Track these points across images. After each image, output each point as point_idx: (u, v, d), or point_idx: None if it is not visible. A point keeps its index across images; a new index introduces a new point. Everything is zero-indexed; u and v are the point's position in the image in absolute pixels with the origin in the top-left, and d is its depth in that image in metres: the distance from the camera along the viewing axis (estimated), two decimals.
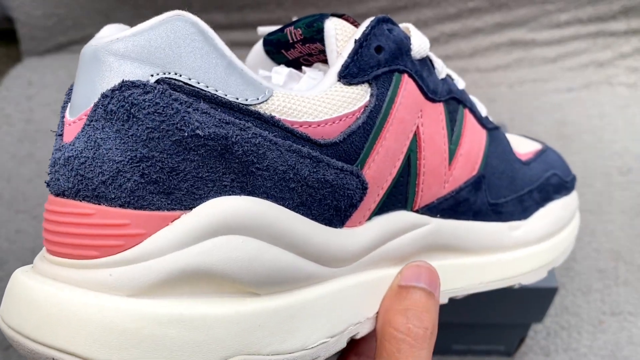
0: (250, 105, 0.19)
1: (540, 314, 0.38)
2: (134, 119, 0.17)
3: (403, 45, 0.23)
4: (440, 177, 0.25)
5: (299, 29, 0.23)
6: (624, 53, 0.72)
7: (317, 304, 0.20)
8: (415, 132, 0.23)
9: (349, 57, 0.21)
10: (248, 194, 0.19)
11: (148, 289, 0.17)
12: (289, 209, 0.20)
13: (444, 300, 0.26)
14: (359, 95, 0.21)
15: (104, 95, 0.17)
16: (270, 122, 0.19)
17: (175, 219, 0.18)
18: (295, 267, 0.20)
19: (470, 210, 0.27)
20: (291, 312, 0.19)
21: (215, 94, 0.18)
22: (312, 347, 0.20)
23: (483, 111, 0.29)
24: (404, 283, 0.24)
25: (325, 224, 0.21)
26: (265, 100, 0.19)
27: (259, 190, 0.19)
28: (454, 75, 0.27)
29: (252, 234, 0.19)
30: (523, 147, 0.32)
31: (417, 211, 0.25)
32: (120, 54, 0.18)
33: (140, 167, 0.17)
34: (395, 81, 0.22)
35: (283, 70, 0.24)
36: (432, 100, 0.24)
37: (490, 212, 0.27)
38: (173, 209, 0.18)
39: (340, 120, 0.21)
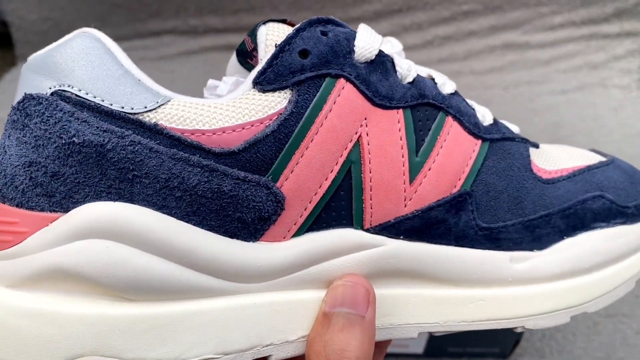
0: (134, 113, 0.19)
1: None
2: (27, 128, 0.19)
3: (340, 48, 0.22)
4: (396, 193, 0.22)
5: (249, 38, 0.23)
6: (617, 55, 0.73)
7: (204, 318, 0.19)
8: (357, 141, 0.21)
9: (266, 62, 0.21)
10: (127, 201, 0.19)
11: (22, 283, 0.19)
12: (177, 218, 0.19)
13: (412, 334, 0.23)
14: (273, 103, 0.20)
15: (12, 107, 0.20)
16: (153, 130, 0.19)
17: (54, 220, 0.19)
18: (176, 278, 0.19)
19: (451, 233, 0.23)
20: (166, 322, 0.19)
21: (99, 104, 0.20)
22: None
23: (486, 118, 0.26)
24: (326, 309, 0.21)
25: (230, 237, 0.20)
26: (154, 109, 0.20)
27: (138, 197, 0.19)
28: (440, 79, 0.25)
29: (120, 239, 0.19)
30: (565, 161, 0.27)
31: (368, 230, 0.22)
32: (32, 69, 0.21)
33: (30, 171, 0.19)
34: (325, 87, 0.21)
35: (230, 80, 0.24)
36: (383, 107, 0.22)
37: (482, 237, 0.24)
38: (54, 211, 0.19)
39: (244, 128, 0.20)
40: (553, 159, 0.27)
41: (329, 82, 0.21)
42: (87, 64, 0.20)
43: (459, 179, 0.23)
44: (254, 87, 0.21)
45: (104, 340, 0.18)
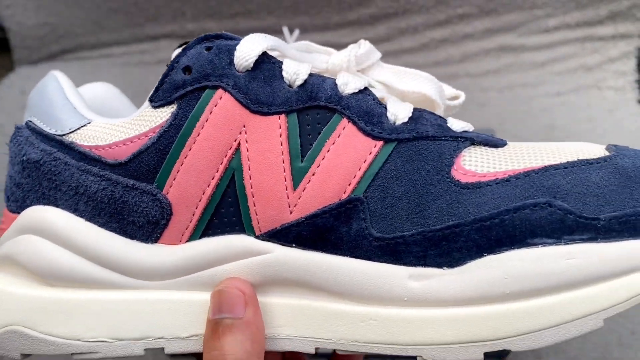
0: (61, 135, 0.24)
1: None
2: (10, 150, 0.25)
3: (220, 60, 0.23)
4: (278, 199, 0.22)
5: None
6: (612, 57, 0.73)
7: (102, 306, 0.23)
8: (237, 148, 0.22)
9: (159, 81, 0.23)
10: (53, 205, 0.24)
11: None
12: (86, 219, 0.23)
13: (309, 349, 0.22)
14: (159, 117, 0.23)
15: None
16: (69, 147, 0.23)
17: (15, 219, 0.24)
18: (82, 270, 0.23)
19: (344, 243, 0.22)
20: (72, 306, 0.23)
21: (43, 129, 0.24)
22: (88, 341, 0.23)
23: (399, 117, 0.23)
24: (210, 317, 0.22)
25: (130, 238, 0.23)
26: (75, 130, 0.24)
27: (60, 202, 0.23)
28: (344, 78, 0.24)
29: (45, 236, 0.23)
30: (525, 161, 0.22)
31: (259, 237, 0.22)
32: (28, 106, 0.26)
33: (11, 183, 0.25)
34: (203, 98, 0.22)
35: None
36: (262, 113, 0.22)
37: (377, 249, 0.21)
38: (17, 213, 0.24)
39: (132, 142, 0.23)
40: (506, 159, 0.22)
41: (207, 94, 0.22)
42: (43, 99, 0.25)
43: (349, 184, 0.22)
44: (149, 105, 0.24)
45: (25, 315, 0.23)
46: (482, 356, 0.21)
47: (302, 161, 0.22)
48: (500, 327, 0.21)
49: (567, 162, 0.22)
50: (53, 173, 0.24)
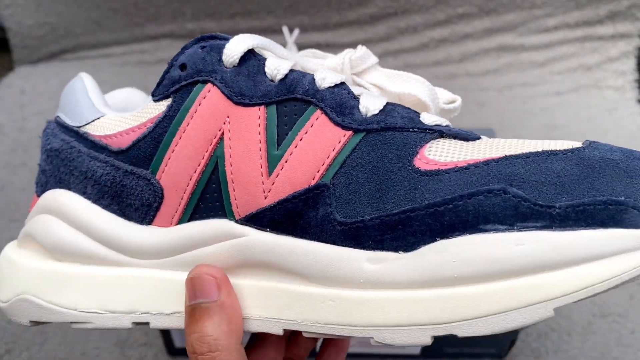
0: (78, 127, 0.26)
1: None
2: (41, 142, 0.28)
3: (211, 57, 0.25)
4: (255, 185, 0.23)
5: None
6: (612, 57, 0.73)
7: (96, 280, 0.25)
8: (221, 137, 0.24)
9: (160, 78, 0.25)
10: (67, 188, 0.26)
11: (22, 242, 0.27)
12: (93, 201, 0.25)
13: (277, 330, 0.23)
14: (157, 109, 0.25)
15: None
16: (83, 137, 0.26)
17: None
18: (82, 246, 0.25)
19: (312, 227, 0.23)
20: (71, 278, 0.25)
21: (66, 122, 0.27)
22: (83, 312, 0.25)
23: (370, 109, 0.24)
24: (187, 303, 0.23)
25: (127, 219, 0.25)
26: (90, 122, 0.26)
27: (72, 185, 0.26)
28: (322, 73, 0.24)
29: (56, 215, 0.26)
30: (491, 152, 0.22)
31: (238, 221, 0.24)
32: (60, 103, 0.28)
33: (39, 170, 0.27)
34: (194, 92, 0.24)
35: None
36: (244, 105, 0.24)
37: (340, 233, 0.22)
38: (40, 196, 0.27)
39: (133, 131, 0.25)
40: (471, 151, 0.23)
41: (198, 88, 0.24)
42: (69, 97, 0.27)
43: (318, 171, 0.23)
44: (151, 99, 0.25)
45: (34, 285, 0.25)
46: (429, 339, 0.21)
47: (277, 149, 0.23)
48: (447, 312, 0.21)
49: (529, 152, 0.22)
50: (68, 159, 0.26)
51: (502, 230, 0.20)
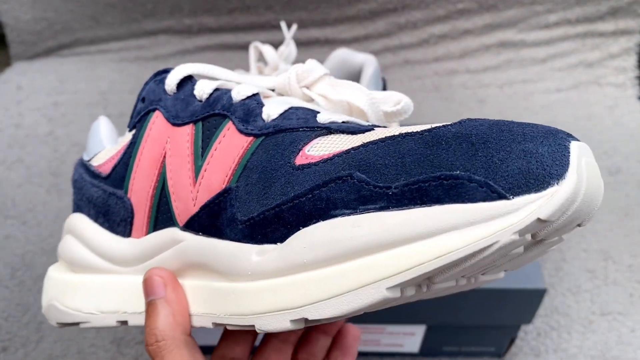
0: (87, 160, 0.31)
1: (530, 315, 0.38)
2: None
3: (159, 88, 0.29)
4: (187, 194, 0.26)
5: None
6: (613, 53, 0.73)
7: (94, 286, 0.29)
8: (164, 156, 0.27)
9: (132, 111, 0.30)
10: (79, 212, 0.31)
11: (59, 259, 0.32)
12: (93, 220, 0.30)
13: (207, 324, 0.25)
14: (127, 138, 0.29)
15: None
16: (88, 168, 0.31)
17: None
18: (86, 258, 0.29)
19: (224, 227, 0.24)
20: (77, 285, 0.29)
21: (82, 157, 0.32)
22: (84, 313, 0.28)
23: (270, 115, 0.25)
24: (145, 299, 0.26)
25: (115, 233, 0.29)
26: (95, 155, 0.31)
27: (83, 208, 0.31)
28: (238, 88, 0.27)
29: (72, 234, 0.30)
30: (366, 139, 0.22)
31: (181, 228, 0.26)
32: None
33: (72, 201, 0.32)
34: (147, 119, 0.28)
35: None
36: (178, 125, 0.27)
37: (241, 231, 0.23)
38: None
39: (113, 159, 0.29)
40: (346, 143, 0.23)
41: (150, 116, 0.28)
42: (89, 137, 0.32)
43: (227, 176, 0.25)
44: (128, 130, 0.30)
45: (57, 293, 0.29)
46: (289, 324, 0.22)
47: (200, 160, 0.26)
48: (299, 296, 0.22)
49: (386, 136, 0.22)
50: (80, 187, 0.31)
51: (347, 214, 0.21)
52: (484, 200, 0.18)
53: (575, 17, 0.74)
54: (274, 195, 0.23)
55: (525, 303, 0.37)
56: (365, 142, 0.22)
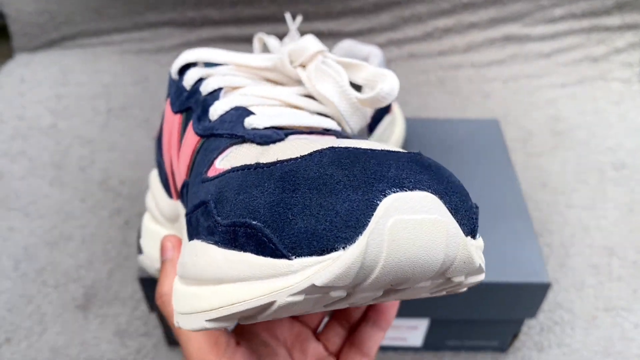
0: None
1: (533, 309, 0.38)
2: None
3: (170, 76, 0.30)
4: (178, 175, 0.28)
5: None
6: (618, 48, 0.72)
7: (157, 237, 0.32)
8: (169, 137, 0.29)
9: None
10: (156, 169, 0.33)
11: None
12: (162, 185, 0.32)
13: None
14: None
15: None
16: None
17: None
18: (153, 210, 0.34)
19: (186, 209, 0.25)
20: (155, 236, 0.33)
21: None
22: (150, 260, 0.33)
23: (214, 116, 0.24)
24: (160, 259, 0.29)
25: (167, 193, 0.31)
26: None
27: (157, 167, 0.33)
28: (206, 81, 0.26)
29: (149, 188, 0.34)
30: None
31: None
32: None
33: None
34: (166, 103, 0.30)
35: None
36: (175, 113, 0.29)
37: (186, 224, 0.23)
38: None
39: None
40: (245, 157, 0.22)
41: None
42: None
43: (186, 170, 0.26)
44: None
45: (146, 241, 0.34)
46: (176, 324, 0.22)
47: (179, 150, 0.27)
48: (181, 304, 0.22)
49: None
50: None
51: (203, 239, 0.20)
52: (271, 256, 0.17)
53: (581, 11, 0.73)
54: (189, 201, 0.23)
55: (529, 297, 0.37)
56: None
